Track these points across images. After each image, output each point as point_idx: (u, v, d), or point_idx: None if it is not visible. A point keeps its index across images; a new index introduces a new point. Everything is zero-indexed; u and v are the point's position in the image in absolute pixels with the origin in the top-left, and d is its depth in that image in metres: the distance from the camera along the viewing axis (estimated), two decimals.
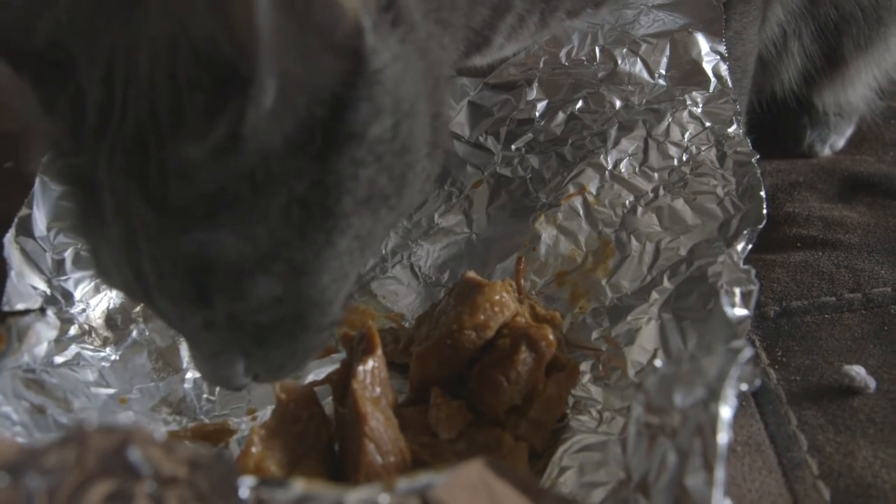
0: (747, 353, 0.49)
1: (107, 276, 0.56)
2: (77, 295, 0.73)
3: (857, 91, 1.02)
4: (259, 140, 0.46)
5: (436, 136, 0.57)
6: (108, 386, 0.70)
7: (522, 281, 0.76)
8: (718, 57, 0.79)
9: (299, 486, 0.42)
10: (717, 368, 0.49)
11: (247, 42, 0.42)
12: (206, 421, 0.70)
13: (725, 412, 0.47)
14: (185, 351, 0.74)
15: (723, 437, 0.46)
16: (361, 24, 0.48)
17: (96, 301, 0.74)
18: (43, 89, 0.51)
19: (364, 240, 0.54)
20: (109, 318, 0.74)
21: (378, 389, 0.61)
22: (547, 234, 0.78)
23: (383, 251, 0.82)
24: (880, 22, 0.95)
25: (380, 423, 0.58)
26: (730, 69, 0.79)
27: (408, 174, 0.54)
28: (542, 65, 0.83)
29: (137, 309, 0.76)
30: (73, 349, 0.71)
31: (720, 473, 0.45)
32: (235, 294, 0.51)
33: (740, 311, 0.58)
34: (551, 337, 0.65)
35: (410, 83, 0.53)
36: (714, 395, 0.48)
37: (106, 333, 0.74)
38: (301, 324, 0.55)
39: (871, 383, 0.68)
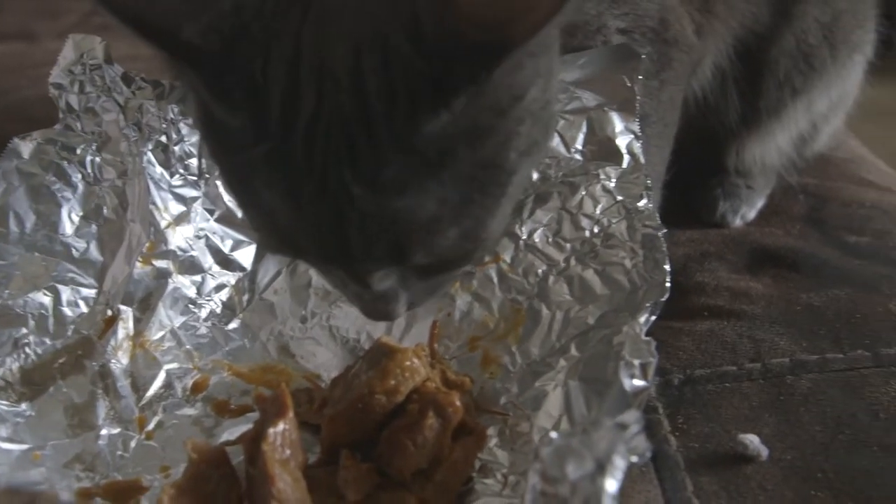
0: (634, 428, 0.52)
1: (296, 250, 0.62)
2: None
3: (780, 145, 1.09)
4: (487, 102, 0.55)
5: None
6: (21, 442, 0.70)
7: (436, 345, 0.78)
8: (632, 135, 0.82)
9: None
10: (606, 442, 0.52)
11: (534, 24, 0.50)
12: (119, 477, 0.70)
13: (611, 485, 0.49)
14: (101, 408, 0.75)
15: None
16: None
17: (13, 357, 0.75)
18: (216, 80, 0.56)
19: (522, 184, 0.63)
20: (26, 375, 0.75)
21: (288, 451, 0.62)
22: (462, 300, 0.80)
23: (303, 312, 0.84)
24: (811, 69, 1.02)
25: (287, 485, 0.60)
26: (657, 135, 0.83)
27: (551, 123, 0.65)
28: None
29: (56, 365, 0.76)
30: None
31: None
32: (429, 248, 0.59)
33: (638, 382, 0.61)
34: (458, 403, 0.67)
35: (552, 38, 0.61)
36: (601, 469, 0.50)
37: (22, 389, 0.74)
38: (466, 259, 0.64)
39: (764, 452, 0.71)
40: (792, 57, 1.01)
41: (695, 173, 1.09)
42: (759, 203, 1.11)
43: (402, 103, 0.53)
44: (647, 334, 0.66)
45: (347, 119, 0.54)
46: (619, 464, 0.51)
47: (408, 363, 0.68)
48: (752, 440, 0.71)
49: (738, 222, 1.09)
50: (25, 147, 0.81)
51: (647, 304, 0.70)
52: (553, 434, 0.61)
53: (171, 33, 0.55)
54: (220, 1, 0.55)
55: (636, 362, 0.63)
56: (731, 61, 0.99)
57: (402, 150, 0.54)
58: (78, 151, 0.83)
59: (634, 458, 0.52)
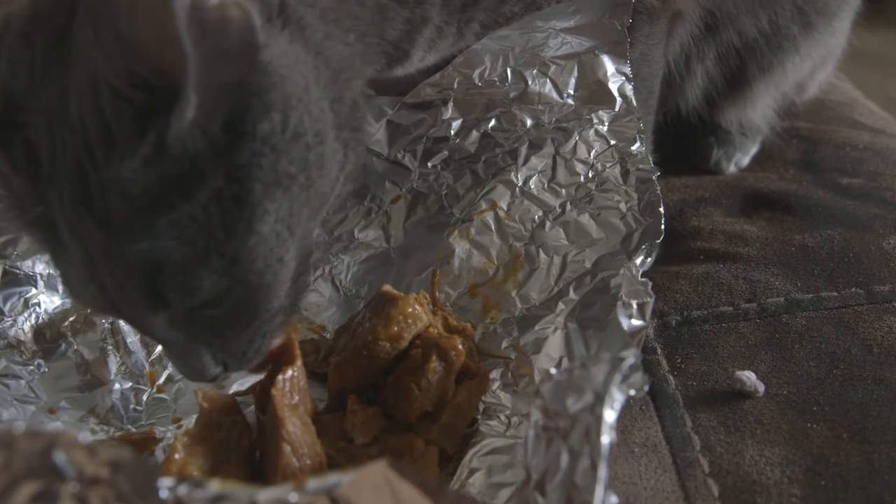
0: (630, 360, 0.54)
1: (77, 297, 0.62)
2: (6, 310, 0.76)
3: (757, 111, 1.08)
4: (184, 146, 0.53)
5: (340, 119, 0.63)
6: (37, 397, 0.73)
7: (437, 293, 0.79)
8: (623, 78, 0.83)
9: (215, 485, 0.45)
10: (603, 375, 0.53)
11: (174, 64, 0.49)
12: (133, 430, 0.72)
13: (609, 415, 0.51)
14: (112, 363, 0.77)
15: (605, 438, 0.50)
16: (252, 24, 0.53)
17: (24, 317, 0.77)
18: (5, 152, 0.56)
19: (286, 221, 0.59)
20: (38, 333, 0.77)
21: (296, 397, 0.64)
22: (460, 247, 0.81)
23: None
24: (780, 48, 1.01)
25: (296, 427, 0.62)
26: (636, 89, 0.83)
27: (308, 156, 0.60)
28: (456, 85, 0.87)
29: (66, 323, 0.78)
30: (2, 362, 0.74)
31: (602, 471, 0.49)
32: (186, 290, 0.57)
33: (636, 322, 0.63)
34: (460, 347, 0.68)
35: (299, 76, 0.59)
36: (600, 400, 0.52)
37: (34, 347, 0.76)
38: (251, 310, 0.61)
39: (761, 388, 0.73)
40: (764, 35, 1.00)
41: (688, 122, 1.09)
42: (753, 149, 1.12)
43: (116, 144, 0.52)
44: (644, 277, 0.68)
45: (83, 167, 0.54)
46: (618, 396, 0.52)
47: (410, 310, 0.69)
48: (748, 377, 0.73)
49: (732, 169, 1.10)
50: None
51: (643, 246, 0.72)
52: (553, 371, 0.62)
53: None
54: None
55: (633, 302, 0.64)
56: (696, 42, 0.99)
57: (121, 192, 0.53)
58: None
59: (632, 392, 0.53)
